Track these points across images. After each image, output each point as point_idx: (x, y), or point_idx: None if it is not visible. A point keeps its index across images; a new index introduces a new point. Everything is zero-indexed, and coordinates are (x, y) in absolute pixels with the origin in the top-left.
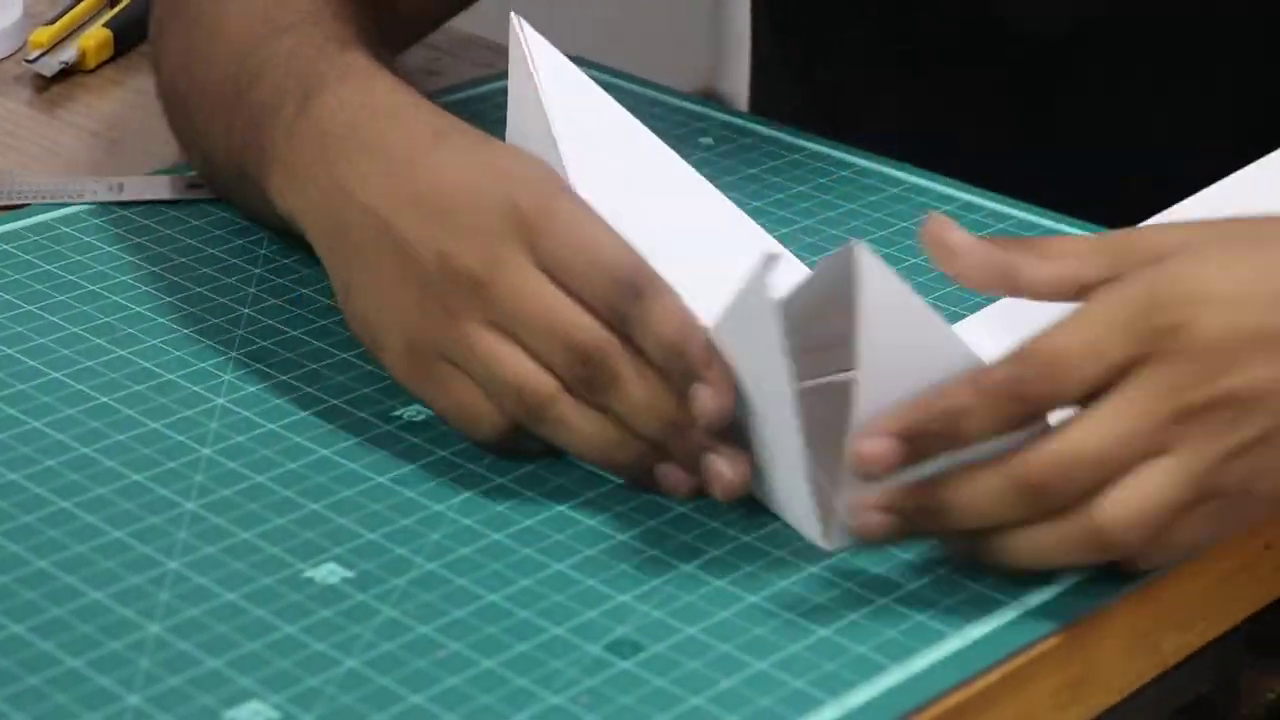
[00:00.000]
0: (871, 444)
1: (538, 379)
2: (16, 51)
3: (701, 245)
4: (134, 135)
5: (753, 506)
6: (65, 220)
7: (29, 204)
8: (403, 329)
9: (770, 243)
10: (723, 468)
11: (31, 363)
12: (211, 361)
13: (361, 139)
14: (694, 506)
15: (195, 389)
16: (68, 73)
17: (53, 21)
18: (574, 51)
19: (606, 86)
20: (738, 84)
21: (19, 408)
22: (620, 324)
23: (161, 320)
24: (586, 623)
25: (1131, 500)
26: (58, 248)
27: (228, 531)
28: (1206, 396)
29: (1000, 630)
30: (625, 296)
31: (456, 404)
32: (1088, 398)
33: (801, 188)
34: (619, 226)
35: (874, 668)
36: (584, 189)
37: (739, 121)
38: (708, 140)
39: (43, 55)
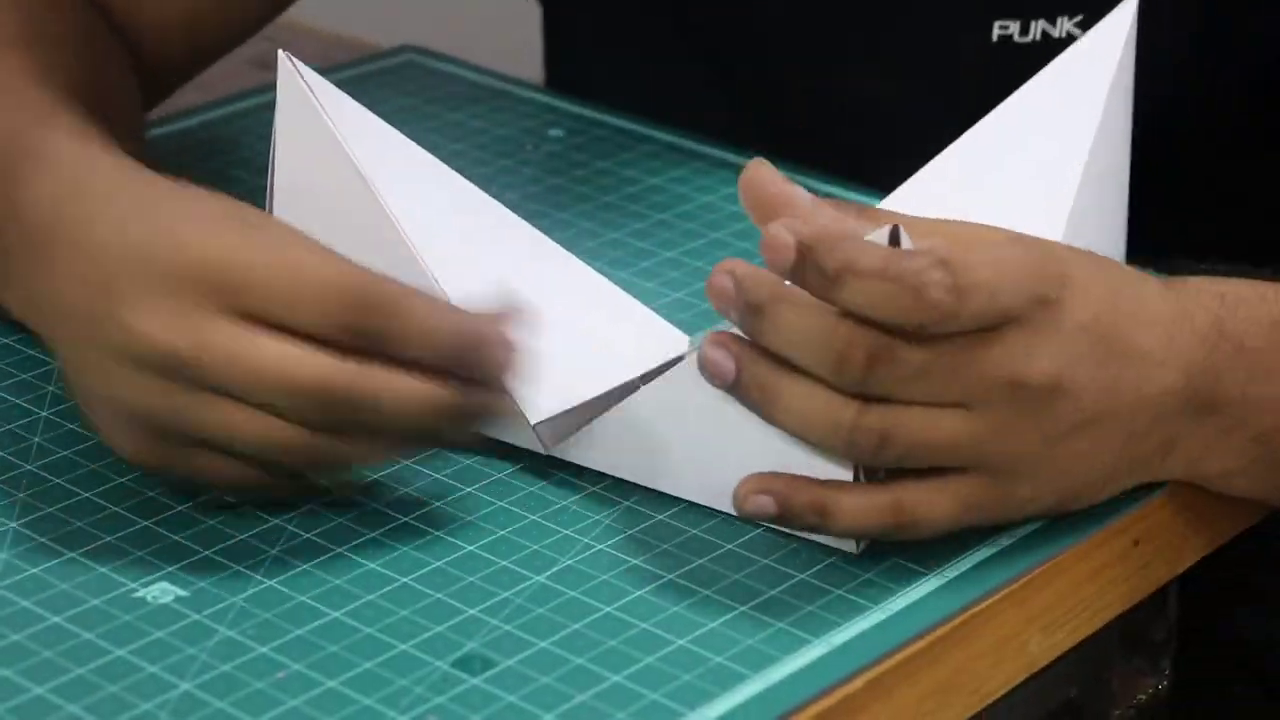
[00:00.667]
0: (779, 233)
1: (298, 440)
2: None
3: (541, 282)
4: None
5: (602, 513)
6: None
7: None
8: (127, 423)
9: (600, 282)
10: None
11: None
12: (34, 373)
13: (62, 232)
14: (545, 514)
15: (17, 401)
16: None
17: None
18: (412, 39)
19: (449, 77)
20: None
21: None
22: (370, 343)
23: None
24: (433, 638)
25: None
26: None
27: (53, 550)
28: (1044, 376)
29: (864, 635)
30: (361, 316)
31: (229, 480)
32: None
33: (655, 180)
34: (460, 272)
35: (734, 677)
36: (414, 235)
37: (590, 113)
38: (558, 132)
39: None
